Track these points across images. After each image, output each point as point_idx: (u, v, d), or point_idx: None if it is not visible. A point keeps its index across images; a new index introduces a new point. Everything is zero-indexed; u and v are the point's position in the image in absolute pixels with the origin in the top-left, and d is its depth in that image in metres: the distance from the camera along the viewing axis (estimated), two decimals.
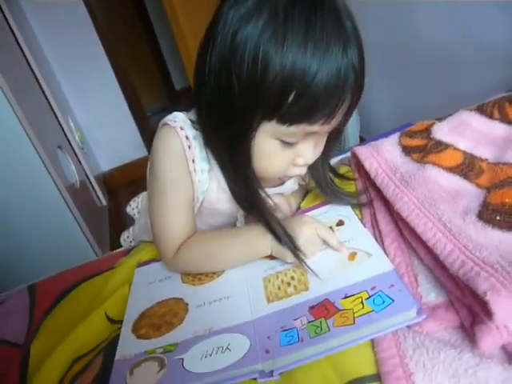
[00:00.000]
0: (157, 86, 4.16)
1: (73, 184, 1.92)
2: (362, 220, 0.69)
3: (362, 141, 2.22)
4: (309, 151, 0.61)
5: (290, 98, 0.51)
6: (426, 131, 0.75)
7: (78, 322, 0.66)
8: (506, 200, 0.55)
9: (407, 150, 0.72)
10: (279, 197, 0.75)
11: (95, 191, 2.34)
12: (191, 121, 0.66)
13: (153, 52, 4.10)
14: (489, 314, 0.42)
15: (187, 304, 0.63)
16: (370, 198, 0.72)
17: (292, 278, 0.61)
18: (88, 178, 2.29)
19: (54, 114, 2.11)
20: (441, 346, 0.46)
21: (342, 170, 0.83)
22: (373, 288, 0.54)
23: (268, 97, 0.52)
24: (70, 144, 2.20)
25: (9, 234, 1.62)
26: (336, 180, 0.76)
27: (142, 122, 2.89)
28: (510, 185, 0.58)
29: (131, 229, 1.03)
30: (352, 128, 2.15)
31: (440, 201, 0.59)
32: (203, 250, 0.68)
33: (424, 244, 0.55)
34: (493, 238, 0.51)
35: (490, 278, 0.44)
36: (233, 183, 0.67)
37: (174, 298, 0.65)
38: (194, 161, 0.65)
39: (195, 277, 0.68)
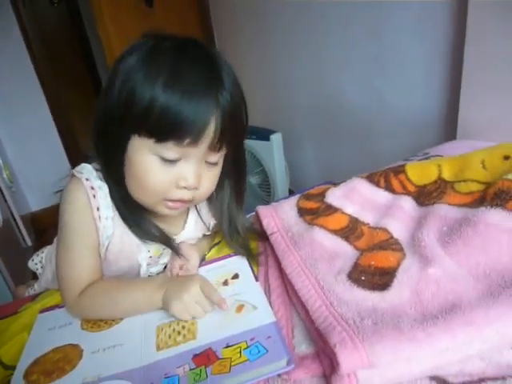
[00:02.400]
0: None
1: None
2: (257, 275, 0.75)
3: (292, 193, 2.32)
4: (190, 172, 0.66)
5: (151, 119, 0.61)
6: (321, 195, 0.84)
7: None
8: (372, 262, 0.63)
9: (302, 212, 0.79)
10: (190, 247, 0.80)
11: (20, 231, 2.28)
12: (97, 170, 0.73)
13: (96, 95, 4.12)
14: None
15: (82, 350, 0.65)
16: (266, 255, 0.78)
17: (183, 327, 0.65)
18: (13, 218, 2.23)
19: None
20: None
21: None
22: (252, 339, 0.59)
23: (132, 115, 0.62)
24: None
25: None
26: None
27: (77, 165, 2.86)
28: (380, 249, 0.66)
29: (36, 285, 1.04)
30: (281, 181, 2.25)
31: (320, 260, 0.66)
32: (106, 296, 0.71)
33: (301, 299, 0.61)
34: (356, 295, 0.58)
35: (342, 333, 0.51)
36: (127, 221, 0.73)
37: (70, 345, 0.67)
38: (98, 209, 0.71)
39: (94, 323, 0.71)
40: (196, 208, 0.82)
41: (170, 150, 0.63)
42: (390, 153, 1.69)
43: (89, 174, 0.72)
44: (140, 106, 0.61)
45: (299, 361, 0.56)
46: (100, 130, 0.69)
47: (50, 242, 0.98)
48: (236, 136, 0.70)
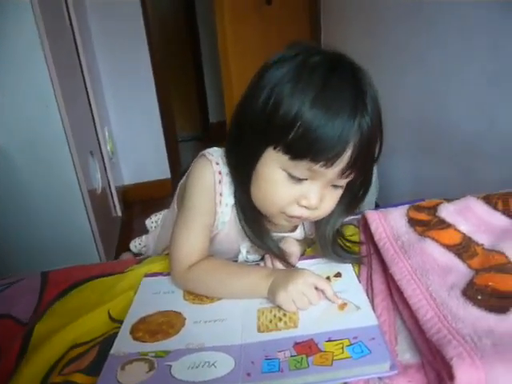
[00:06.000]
0: (193, 115, 4.32)
1: (95, 189, 2.00)
2: (358, 276, 0.75)
3: (377, 206, 2.27)
4: (314, 193, 0.65)
5: (292, 134, 0.60)
6: (433, 208, 0.81)
7: (82, 313, 0.71)
8: (490, 283, 0.60)
9: (412, 222, 0.78)
10: (292, 242, 0.82)
11: (113, 201, 2.42)
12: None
13: (196, 83, 4.29)
14: (452, 378, 0.47)
15: (185, 319, 0.68)
16: (370, 258, 0.77)
17: (284, 314, 0.66)
18: (109, 187, 2.38)
19: (94, 121, 2.23)
20: None
21: (349, 230, 0.89)
22: (355, 337, 0.59)
23: (274, 127, 0.62)
24: (101, 152, 2.30)
25: (26, 220, 1.72)
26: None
27: (172, 146, 3.00)
28: (497, 271, 0.63)
29: (144, 237, 1.12)
30: (370, 193, 2.20)
31: (431, 272, 0.64)
32: (215, 276, 0.74)
33: (409, 307, 0.60)
34: (471, 313, 0.56)
35: (458, 347, 0.49)
36: (243, 219, 0.75)
37: (173, 311, 0.70)
38: (221, 194, 0.74)
39: (196, 297, 0.74)
40: None
41: (302, 168, 0.63)
42: (498, 180, 1.57)
43: (219, 158, 0.74)
44: (284, 119, 0.61)
45: (402, 369, 0.55)
46: (236, 135, 0.70)
47: (136, 216, 1.07)
48: (366, 163, 0.68)
